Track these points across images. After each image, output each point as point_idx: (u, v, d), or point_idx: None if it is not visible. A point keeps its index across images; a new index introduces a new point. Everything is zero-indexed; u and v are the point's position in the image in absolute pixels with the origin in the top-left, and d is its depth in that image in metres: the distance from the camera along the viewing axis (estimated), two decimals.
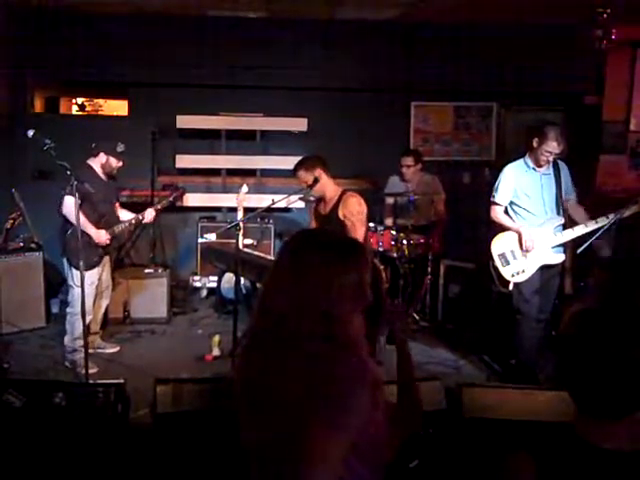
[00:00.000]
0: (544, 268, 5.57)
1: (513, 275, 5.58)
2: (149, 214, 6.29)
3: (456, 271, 7.23)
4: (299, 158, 8.32)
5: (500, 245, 5.64)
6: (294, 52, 8.46)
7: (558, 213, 5.58)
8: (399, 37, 8.49)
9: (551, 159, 5.47)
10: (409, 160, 7.61)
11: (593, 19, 6.75)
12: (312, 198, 7.07)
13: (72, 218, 5.55)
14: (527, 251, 5.50)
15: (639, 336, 1.63)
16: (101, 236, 5.87)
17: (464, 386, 3.99)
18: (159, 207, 6.40)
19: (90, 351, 6.11)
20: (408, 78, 8.68)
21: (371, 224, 7.02)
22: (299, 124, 8.51)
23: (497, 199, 5.66)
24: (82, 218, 5.52)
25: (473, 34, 8.36)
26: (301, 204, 7.79)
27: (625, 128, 8.61)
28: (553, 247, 5.55)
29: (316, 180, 5.51)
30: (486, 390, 4.02)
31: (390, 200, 7.68)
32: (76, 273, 5.63)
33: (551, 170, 5.57)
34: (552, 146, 5.36)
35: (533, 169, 5.56)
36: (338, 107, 8.63)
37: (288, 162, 8.51)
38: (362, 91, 8.74)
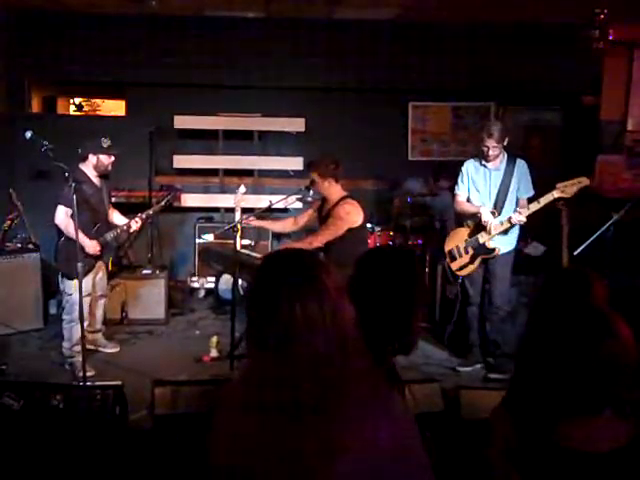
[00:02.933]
0: (488, 260, 5.87)
1: (460, 269, 5.98)
2: (134, 224, 6.13)
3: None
4: (296, 159, 8.42)
5: (449, 243, 6.08)
6: (292, 52, 8.45)
7: (495, 209, 5.77)
8: (397, 37, 8.48)
9: (491, 153, 5.63)
10: None
11: (590, 19, 6.76)
12: (310, 199, 7.12)
13: (64, 228, 5.58)
14: (487, 229, 5.75)
15: (595, 333, 1.65)
16: (93, 247, 5.79)
17: (462, 388, 3.99)
18: (144, 216, 6.23)
19: (91, 347, 6.15)
20: (406, 78, 8.67)
21: (368, 224, 7.03)
22: (297, 124, 8.50)
23: (458, 192, 5.95)
24: (75, 228, 5.45)
25: (471, 34, 8.36)
26: (299, 204, 7.79)
27: (622, 128, 8.61)
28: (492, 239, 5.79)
29: (313, 182, 5.60)
30: (484, 392, 4.02)
31: (397, 203, 7.69)
32: (67, 282, 5.66)
33: (503, 167, 5.73)
34: (483, 139, 5.60)
35: (483, 165, 5.78)
36: (336, 107, 8.62)
37: (286, 162, 8.59)
38: (360, 91, 8.74)
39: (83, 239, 5.65)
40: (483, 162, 5.76)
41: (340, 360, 1.66)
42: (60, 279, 5.82)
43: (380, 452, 1.63)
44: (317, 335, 1.65)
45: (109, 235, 5.97)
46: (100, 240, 5.87)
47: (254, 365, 1.77)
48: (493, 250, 5.77)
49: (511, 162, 5.73)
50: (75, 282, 5.54)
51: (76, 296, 5.36)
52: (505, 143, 5.67)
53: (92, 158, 5.82)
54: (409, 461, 1.68)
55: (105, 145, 5.79)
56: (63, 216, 5.56)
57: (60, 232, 5.64)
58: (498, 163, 5.74)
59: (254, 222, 6.06)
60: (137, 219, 6.14)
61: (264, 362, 1.71)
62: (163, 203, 6.38)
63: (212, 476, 1.80)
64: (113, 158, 5.88)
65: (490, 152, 5.62)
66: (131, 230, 6.21)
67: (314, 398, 1.63)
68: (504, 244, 5.80)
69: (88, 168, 5.84)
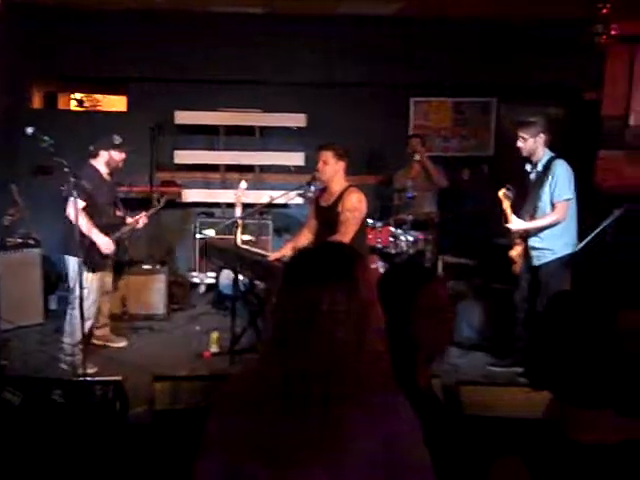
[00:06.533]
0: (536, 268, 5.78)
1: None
2: (142, 221, 6.28)
3: (455, 267, 7.22)
4: (298, 154, 8.42)
5: None
6: (293, 47, 8.45)
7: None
8: (398, 32, 8.46)
9: (520, 144, 5.56)
10: (416, 141, 7.69)
11: (593, 14, 6.74)
12: (310, 194, 7.11)
13: (77, 222, 5.57)
14: None
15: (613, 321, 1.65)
16: (109, 246, 5.84)
17: (462, 384, 3.98)
18: (149, 214, 6.41)
19: (100, 343, 6.24)
20: (407, 73, 8.67)
21: (370, 220, 7.02)
22: (298, 120, 8.49)
23: None
24: (90, 225, 5.64)
25: (472, 29, 8.36)
26: (300, 200, 7.78)
27: (624, 123, 8.60)
28: None
29: (314, 177, 5.61)
30: (485, 388, 4.01)
31: (396, 198, 7.68)
32: (86, 274, 5.58)
33: (540, 167, 5.61)
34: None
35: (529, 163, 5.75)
36: (337, 103, 8.61)
37: (287, 158, 8.58)
38: (361, 86, 8.73)
39: (100, 237, 5.75)
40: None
41: (357, 357, 1.66)
42: (76, 271, 5.69)
43: (379, 454, 1.62)
44: (338, 329, 1.64)
45: (122, 230, 6.09)
46: (114, 237, 5.93)
47: (268, 357, 1.75)
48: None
49: (550, 162, 5.53)
50: (92, 275, 5.72)
51: (89, 291, 5.58)
52: (541, 139, 5.52)
53: (104, 154, 5.90)
54: (408, 467, 1.68)
55: (117, 142, 5.89)
56: (75, 210, 5.58)
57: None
58: (536, 164, 5.61)
59: (276, 255, 5.77)
60: (144, 217, 6.30)
61: (280, 353, 1.69)
62: (162, 204, 6.64)
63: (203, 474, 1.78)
64: (124, 155, 5.99)
65: (518, 143, 5.55)
66: (138, 227, 6.32)
67: (324, 392, 1.62)
68: (539, 251, 5.64)
69: (100, 164, 5.92)
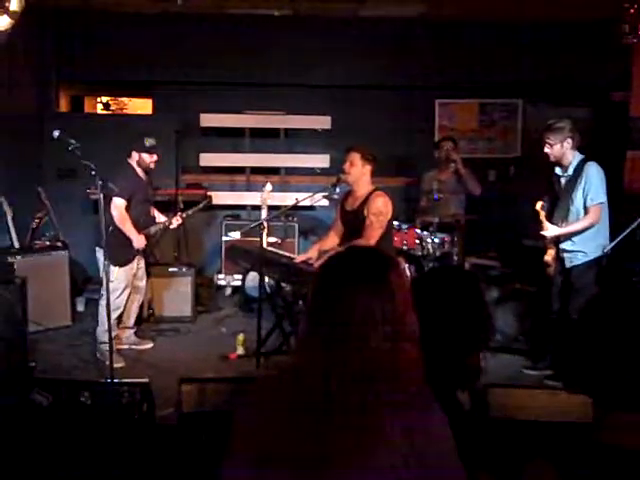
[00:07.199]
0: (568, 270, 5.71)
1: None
2: (176, 221, 6.41)
3: (481, 269, 7.17)
4: (323, 156, 8.42)
5: None
6: (318, 50, 8.44)
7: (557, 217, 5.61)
8: (423, 34, 8.44)
9: (547, 150, 5.48)
10: (449, 144, 7.62)
11: (620, 14, 6.67)
12: (336, 196, 7.08)
13: (117, 220, 5.84)
14: None
15: None
16: (141, 242, 6.00)
17: (489, 386, 3.95)
18: (184, 216, 6.50)
19: (125, 347, 6.26)
20: (432, 75, 8.64)
21: (395, 222, 6.98)
22: (323, 122, 8.49)
23: None
24: (128, 222, 5.87)
25: (498, 31, 8.32)
26: (325, 202, 7.77)
27: None
28: None
29: (339, 179, 5.62)
30: (513, 390, 3.97)
31: (424, 200, 7.63)
32: (112, 268, 5.69)
33: (571, 171, 5.52)
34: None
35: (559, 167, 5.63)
36: (362, 105, 8.60)
37: (312, 160, 8.59)
38: (386, 89, 8.71)
39: (134, 234, 5.94)
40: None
41: (391, 363, 1.65)
42: (104, 265, 5.74)
43: (411, 463, 1.60)
44: (373, 334, 1.64)
45: (153, 228, 6.24)
46: (145, 232, 6.08)
47: (301, 363, 1.74)
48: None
49: (581, 165, 5.45)
50: (118, 269, 5.87)
51: (116, 284, 5.77)
52: (569, 144, 5.44)
53: (135, 155, 6.07)
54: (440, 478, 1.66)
55: (147, 144, 6.03)
56: (120, 208, 5.86)
57: (112, 221, 5.82)
58: (566, 167, 5.53)
59: (302, 257, 5.86)
60: (178, 217, 6.43)
61: (315, 359, 1.68)
62: (202, 206, 6.70)
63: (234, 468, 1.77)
64: (155, 157, 6.13)
65: (545, 148, 5.47)
66: (171, 227, 6.45)
67: (360, 398, 1.61)
68: (572, 254, 5.57)
69: (134, 163, 6.09)
